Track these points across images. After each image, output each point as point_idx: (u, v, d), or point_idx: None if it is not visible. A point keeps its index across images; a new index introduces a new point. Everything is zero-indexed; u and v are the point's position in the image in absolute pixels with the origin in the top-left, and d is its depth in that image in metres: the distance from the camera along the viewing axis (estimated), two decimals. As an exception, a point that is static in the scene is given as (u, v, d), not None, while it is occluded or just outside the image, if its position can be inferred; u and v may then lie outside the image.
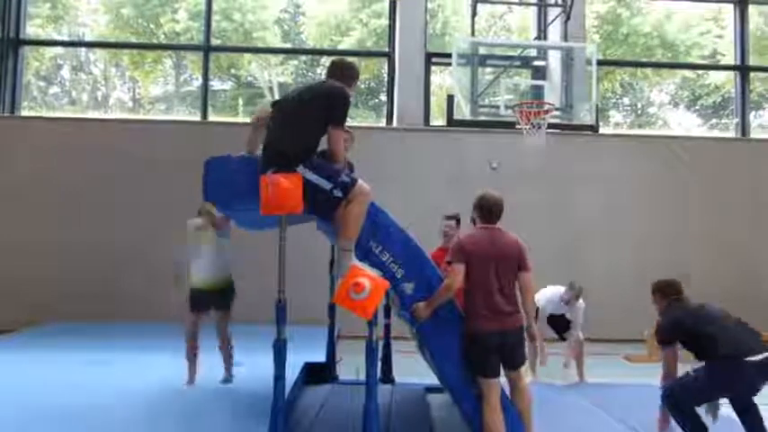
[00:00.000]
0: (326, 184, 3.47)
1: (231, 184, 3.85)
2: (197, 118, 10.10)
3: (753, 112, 10.90)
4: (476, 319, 3.77)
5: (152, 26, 10.95)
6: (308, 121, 3.56)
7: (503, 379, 3.84)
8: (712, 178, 9.56)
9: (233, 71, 11.27)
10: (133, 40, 10.85)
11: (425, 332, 3.86)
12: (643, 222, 9.50)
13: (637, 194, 9.61)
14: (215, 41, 10.43)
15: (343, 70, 3.83)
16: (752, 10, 10.80)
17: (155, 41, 10.94)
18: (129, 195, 9.22)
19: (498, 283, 3.78)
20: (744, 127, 10.54)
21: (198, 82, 10.59)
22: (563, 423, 4.77)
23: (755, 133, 10.76)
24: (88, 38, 11.23)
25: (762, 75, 11.24)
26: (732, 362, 3.83)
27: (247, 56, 11.21)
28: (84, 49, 11.29)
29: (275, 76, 11.07)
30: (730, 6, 10.85)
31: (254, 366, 5.32)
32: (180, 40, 10.83)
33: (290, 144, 3.51)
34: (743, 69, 10.63)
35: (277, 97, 4.06)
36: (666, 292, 4.30)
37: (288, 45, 11.49)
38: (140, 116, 10.92)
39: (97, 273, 8.99)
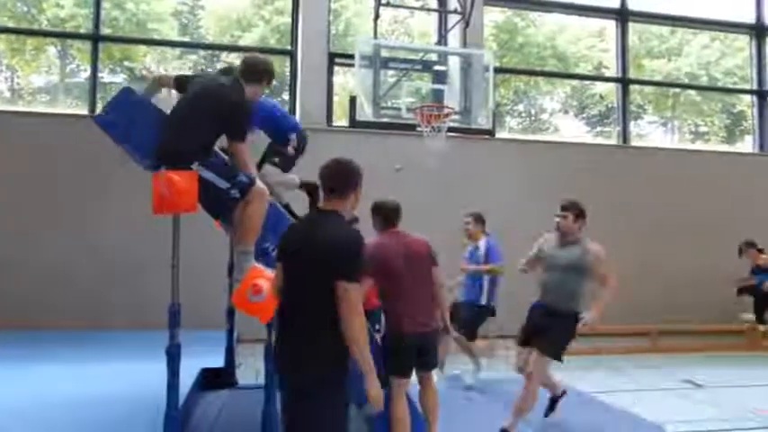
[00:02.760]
0: (223, 184, 3.36)
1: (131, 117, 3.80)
2: (84, 111, 9.48)
3: (632, 122, 11.76)
4: (397, 322, 3.81)
5: (33, 11, 10.15)
6: (205, 123, 3.43)
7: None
8: (599, 181, 10.21)
9: (126, 63, 10.68)
10: (11, 25, 10.00)
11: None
12: (535, 222, 9.94)
13: (529, 196, 10.08)
14: (105, 31, 9.84)
15: (254, 69, 3.70)
16: (631, 27, 11.65)
17: (36, 27, 10.15)
18: (7, 194, 8.51)
19: (414, 282, 3.84)
20: (625, 135, 11.36)
21: (86, 73, 9.94)
22: (469, 421, 4.91)
23: (634, 141, 11.63)
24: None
25: (639, 87, 12.19)
26: None
27: (142, 48, 10.66)
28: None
29: (172, 71, 10.61)
30: (613, 23, 11.64)
31: (146, 373, 5.07)
32: (65, 28, 10.13)
33: (186, 143, 3.37)
34: (624, 81, 11.45)
35: (174, 92, 3.89)
36: None
37: (186, 39, 11.05)
38: (20, 108, 10.08)
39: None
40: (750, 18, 12.14)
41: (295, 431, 2.58)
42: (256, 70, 3.68)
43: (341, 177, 2.74)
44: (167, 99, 3.97)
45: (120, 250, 8.58)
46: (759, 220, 10.14)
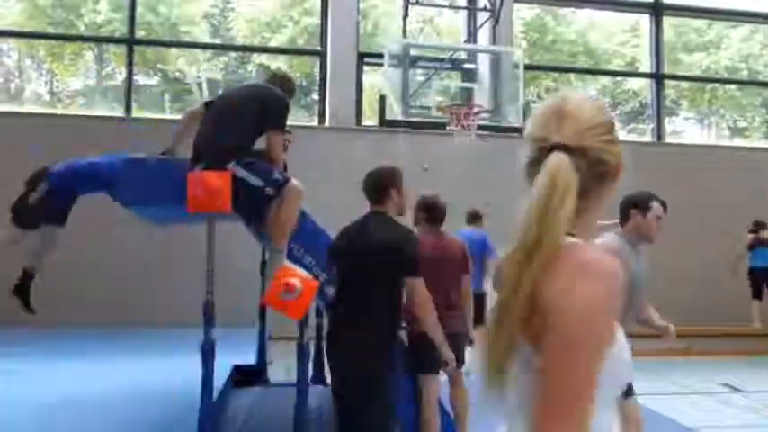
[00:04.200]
0: (258, 182, 3.39)
1: (146, 186, 3.76)
2: (120, 114, 9.70)
3: (667, 118, 11.52)
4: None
5: (71, 17, 10.42)
6: (245, 119, 3.48)
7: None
8: (632, 179, 10.01)
9: (160, 66, 10.89)
10: (50, 30, 10.29)
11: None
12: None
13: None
14: (140, 34, 10.05)
15: (282, 83, 3.77)
16: (666, 21, 11.41)
17: (74, 33, 10.41)
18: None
19: (441, 283, 3.81)
20: (659, 132, 11.13)
21: (122, 76, 10.16)
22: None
23: (669, 138, 11.38)
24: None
25: (674, 82, 11.92)
26: None
27: (175, 51, 10.86)
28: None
29: (204, 73, 10.78)
30: (647, 17, 11.42)
31: (181, 370, 5.16)
32: (101, 33, 10.37)
33: (223, 141, 3.42)
34: (658, 77, 11.22)
35: (206, 93, 3.97)
36: None
37: (217, 41, 11.21)
38: (59, 110, 10.36)
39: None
40: (790, 10, 11.80)
41: (351, 422, 2.83)
42: (286, 82, 3.77)
43: (370, 185, 3.14)
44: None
45: (152, 248, 8.74)
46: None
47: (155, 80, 10.94)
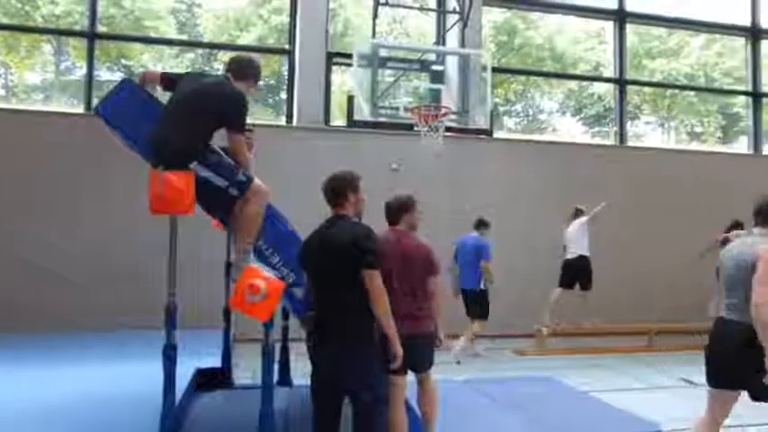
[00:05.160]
0: (222, 182, 3.34)
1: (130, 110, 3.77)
2: (80, 110, 9.44)
3: (629, 122, 11.77)
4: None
5: (27, 7, 10.08)
6: (202, 119, 3.41)
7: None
8: (596, 181, 10.21)
9: (123, 61, 10.63)
10: (5, 21, 9.94)
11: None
12: (534, 222, 9.97)
13: (528, 195, 10.08)
14: (101, 28, 9.79)
15: (243, 68, 3.70)
16: (629, 28, 11.66)
17: (31, 24, 10.08)
18: (2, 192, 8.46)
19: (401, 284, 3.77)
20: (622, 135, 11.37)
21: (82, 71, 9.89)
22: (466, 421, 4.90)
23: (631, 141, 11.64)
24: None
25: (636, 87, 12.20)
26: None
27: (139, 46, 10.62)
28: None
29: (169, 69, 10.56)
30: (611, 24, 11.65)
31: (144, 374, 5.05)
32: (60, 25, 10.07)
33: (183, 140, 3.35)
34: (621, 82, 11.46)
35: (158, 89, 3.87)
36: None
37: (184, 37, 11.01)
38: (14, 105, 10.02)
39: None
40: (746, 21, 12.16)
41: (344, 376, 3.08)
42: (243, 68, 3.68)
43: (329, 191, 3.25)
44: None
45: (118, 249, 8.54)
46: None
47: (117, 75, 10.68)
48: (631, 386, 6.66)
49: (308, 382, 3.96)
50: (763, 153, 12.16)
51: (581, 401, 5.74)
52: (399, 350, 3.20)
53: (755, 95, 12.15)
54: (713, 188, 10.78)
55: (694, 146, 12.74)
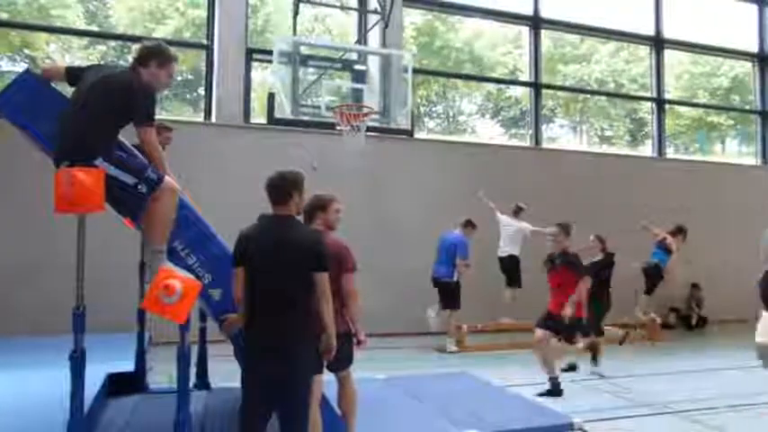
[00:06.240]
0: (130, 180, 3.20)
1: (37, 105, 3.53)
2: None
3: (544, 125, 12.27)
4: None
5: None
6: (105, 114, 3.25)
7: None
8: (513, 181, 10.56)
9: (27, 51, 10.01)
10: None
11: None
12: (452, 220, 10.19)
13: (446, 195, 10.29)
14: (2, 15, 9.18)
15: (149, 53, 3.55)
16: (544, 34, 12.14)
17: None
18: None
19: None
20: (537, 137, 11.83)
21: (-20, 60, 9.24)
22: (383, 418, 4.94)
23: (546, 143, 12.13)
24: None
25: (551, 91, 12.72)
26: None
27: (44, 35, 10.02)
28: None
29: (78, 61, 10.03)
30: (527, 30, 12.08)
31: (47, 382, 4.78)
32: (-44, 11, 9.37)
33: (88, 135, 3.19)
34: (536, 86, 11.92)
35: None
36: None
37: (94, 28, 10.49)
38: None
39: None
40: (650, 30, 12.95)
41: (283, 383, 3.10)
42: (150, 53, 3.53)
43: (275, 189, 3.29)
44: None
45: (15, 251, 8.04)
46: (656, 219, 10.82)
47: (21, 66, 10.04)
48: (546, 381, 6.92)
49: (227, 385, 3.89)
50: (667, 156, 13.00)
51: (493, 394, 5.89)
52: (334, 344, 3.33)
53: (659, 101, 12.95)
54: (620, 188, 11.41)
55: (605, 148, 13.43)
